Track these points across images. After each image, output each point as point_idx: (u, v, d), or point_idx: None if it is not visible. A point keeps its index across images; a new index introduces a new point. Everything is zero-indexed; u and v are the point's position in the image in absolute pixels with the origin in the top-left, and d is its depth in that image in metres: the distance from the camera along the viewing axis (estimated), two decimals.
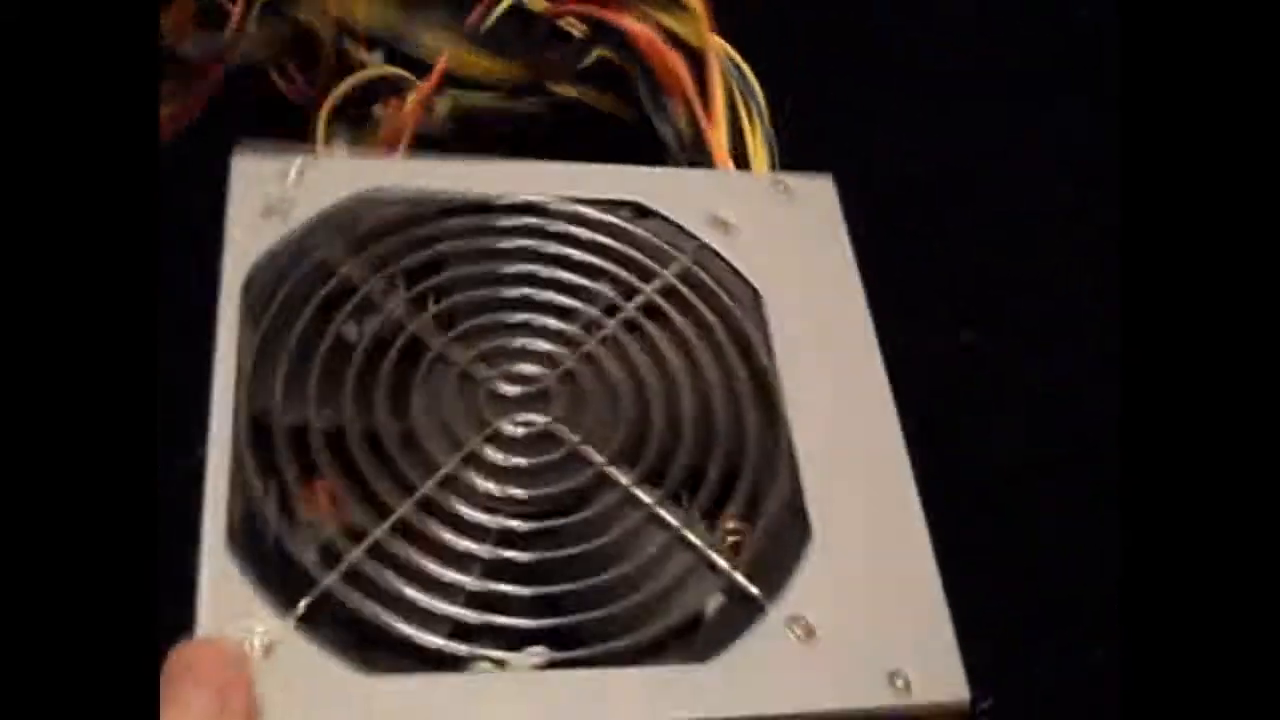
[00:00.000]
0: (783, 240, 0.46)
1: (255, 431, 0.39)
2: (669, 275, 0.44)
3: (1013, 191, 0.61)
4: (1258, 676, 0.33)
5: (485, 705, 0.36)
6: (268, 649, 0.35)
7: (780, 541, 0.40)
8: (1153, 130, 0.37)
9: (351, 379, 0.40)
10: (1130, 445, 0.35)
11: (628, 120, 0.53)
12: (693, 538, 0.39)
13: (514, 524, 0.39)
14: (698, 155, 0.49)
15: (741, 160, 0.50)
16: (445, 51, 0.50)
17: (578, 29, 0.54)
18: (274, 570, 0.37)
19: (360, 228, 0.43)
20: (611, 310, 0.44)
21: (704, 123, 0.49)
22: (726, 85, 0.50)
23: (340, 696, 0.35)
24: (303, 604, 0.36)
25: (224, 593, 0.36)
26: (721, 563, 0.39)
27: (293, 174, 0.44)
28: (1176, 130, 0.37)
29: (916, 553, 0.40)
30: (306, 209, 0.43)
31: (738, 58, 0.51)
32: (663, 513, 0.40)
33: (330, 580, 0.37)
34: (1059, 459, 0.47)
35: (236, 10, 0.52)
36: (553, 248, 0.44)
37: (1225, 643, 0.34)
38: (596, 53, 0.52)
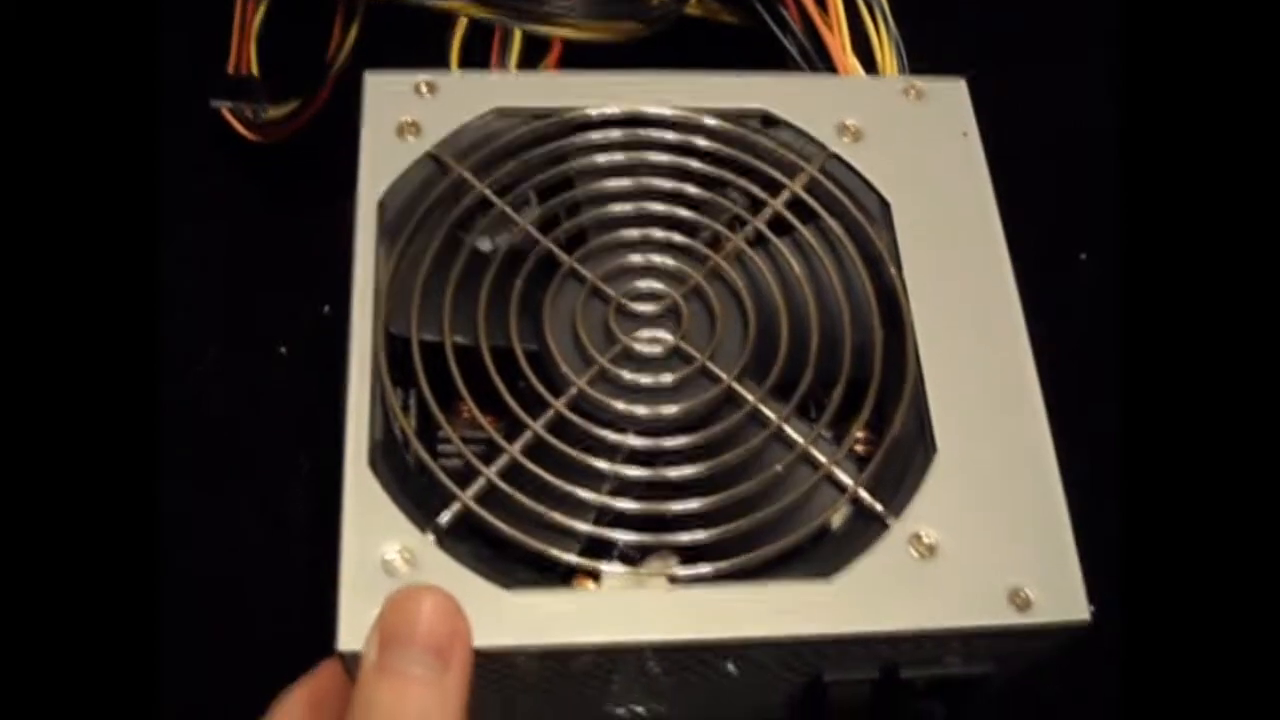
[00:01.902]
0: (913, 147, 0.44)
1: (393, 349, 0.39)
2: (796, 187, 0.42)
3: None
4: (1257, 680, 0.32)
5: (615, 620, 0.36)
6: (410, 563, 0.36)
7: (905, 457, 0.39)
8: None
9: (485, 296, 0.40)
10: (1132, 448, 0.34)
11: (753, 28, 0.51)
12: (818, 454, 0.38)
13: (642, 442, 0.38)
14: (822, 63, 0.47)
15: (870, 65, 0.47)
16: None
17: None
18: (413, 487, 0.37)
19: (491, 145, 0.43)
20: (739, 224, 0.43)
21: (822, 28, 0.47)
22: None
23: (477, 610, 0.35)
24: (441, 522, 0.36)
25: (366, 510, 0.36)
26: (845, 479, 0.38)
27: (424, 92, 0.44)
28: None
29: (1041, 470, 0.39)
30: (439, 127, 0.43)
31: None
32: (788, 429, 0.39)
33: (466, 499, 0.37)
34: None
35: None
36: (680, 161, 0.43)
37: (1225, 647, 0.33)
38: None
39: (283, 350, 0.55)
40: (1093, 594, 0.37)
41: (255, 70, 0.54)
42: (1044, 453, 0.39)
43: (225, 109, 0.54)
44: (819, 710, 0.40)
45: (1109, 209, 0.47)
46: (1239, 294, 0.41)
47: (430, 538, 0.36)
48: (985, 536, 0.38)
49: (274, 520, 0.52)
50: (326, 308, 0.54)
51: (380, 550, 0.36)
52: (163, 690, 0.40)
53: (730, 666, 0.38)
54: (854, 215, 0.43)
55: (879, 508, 0.38)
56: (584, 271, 0.41)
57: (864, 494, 0.38)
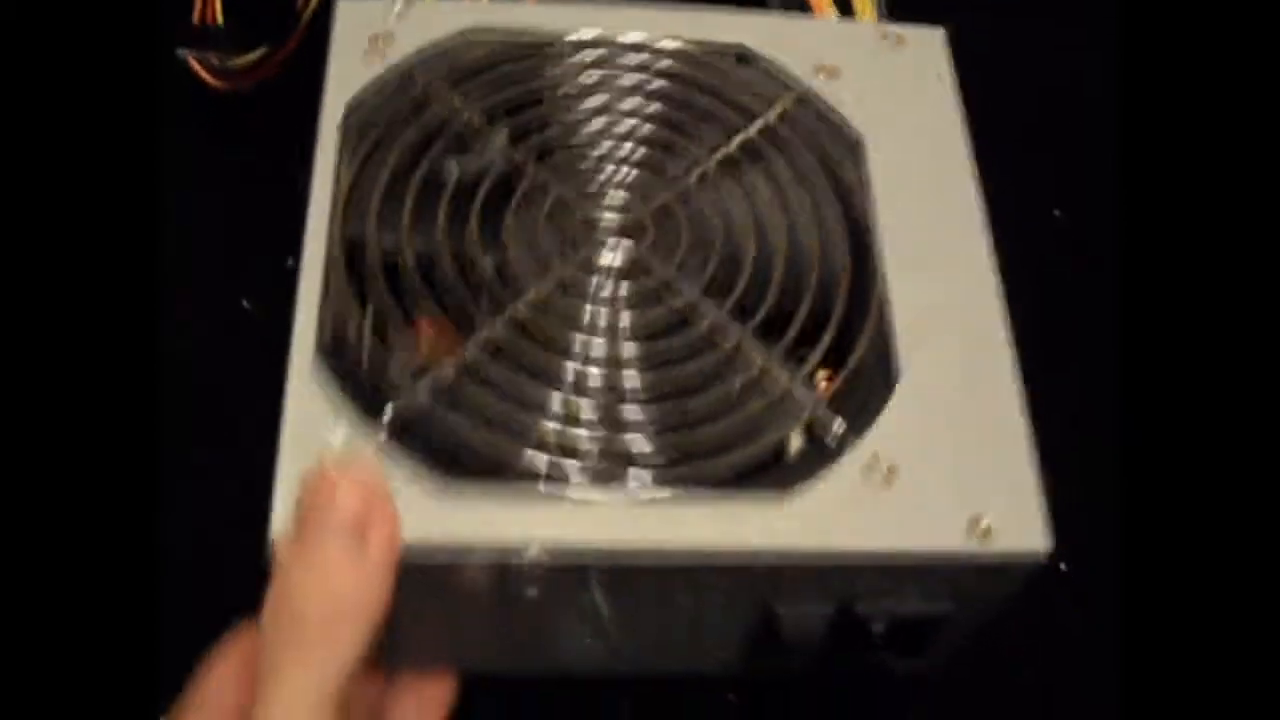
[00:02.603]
0: (888, 90, 0.43)
1: (350, 256, 0.38)
2: (770, 118, 0.42)
3: None
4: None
5: (560, 523, 0.34)
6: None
7: (866, 385, 0.38)
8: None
9: (446, 206, 0.39)
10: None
11: None
12: (777, 372, 0.37)
13: (599, 352, 0.37)
14: (798, 6, 0.46)
15: (847, 11, 0.47)
16: None
17: None
18: (362, 388, 0.36)
19: (461, 64, 0.41)
20: (710, 151, 0.41)
21: None
22: None
23: (417, 507, 0.33)
24: (387, 416, 0.35)
25: (309, 402, 0.35)
26: (804, 399, 0.37)
27: (396, 11, 0.42)
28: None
29: (1006, 403, 0.37)
30: (408, 46, 0.42)
31: None
32: (748, 348, 0.37)
33: (417, 395, 0.35)
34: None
35: None
36: (653, 86, 0.42)
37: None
38: None
39: (246, 305, 0.54)
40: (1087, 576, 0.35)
41: (221, 20, 0.52)
42: (1008, 383, 0.38)
43: (191, 58, 0.53)
44: (772, 647, 0.38)
45: (1086, 166, 0.46)
46: (1216, 255, 0.40)
47: (374, 433, 0.35)
48: (945, 465, 0.36)
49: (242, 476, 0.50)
50: (290, 260, 0.53)
51: (321, 442, 0.34)
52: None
53: (680, 597, 0.37)
54: (826, 147, 0.42)
55: (837, 430, 0.36)
56: (549, 187, 0.40)
57: (821, 415, 0.37)
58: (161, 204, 0.53)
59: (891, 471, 0.36)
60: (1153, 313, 0.35)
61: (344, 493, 0.33)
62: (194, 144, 0.56)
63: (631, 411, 0.36)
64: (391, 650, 0.35)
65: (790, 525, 0.35)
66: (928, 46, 0.44)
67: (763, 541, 0.34)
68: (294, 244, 0.52)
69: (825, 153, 0.42)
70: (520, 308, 0.37)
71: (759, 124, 0.42)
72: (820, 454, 0.36)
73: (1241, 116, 0.39)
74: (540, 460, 0.35)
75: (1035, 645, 0.49)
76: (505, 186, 0.40)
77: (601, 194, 0.40)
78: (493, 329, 0.37)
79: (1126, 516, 0.34)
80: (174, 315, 0.51)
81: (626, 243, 0.39)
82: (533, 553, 0.34)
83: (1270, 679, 0.32)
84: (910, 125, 0.42)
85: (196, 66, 0.54)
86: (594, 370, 0.37)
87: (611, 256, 0.39)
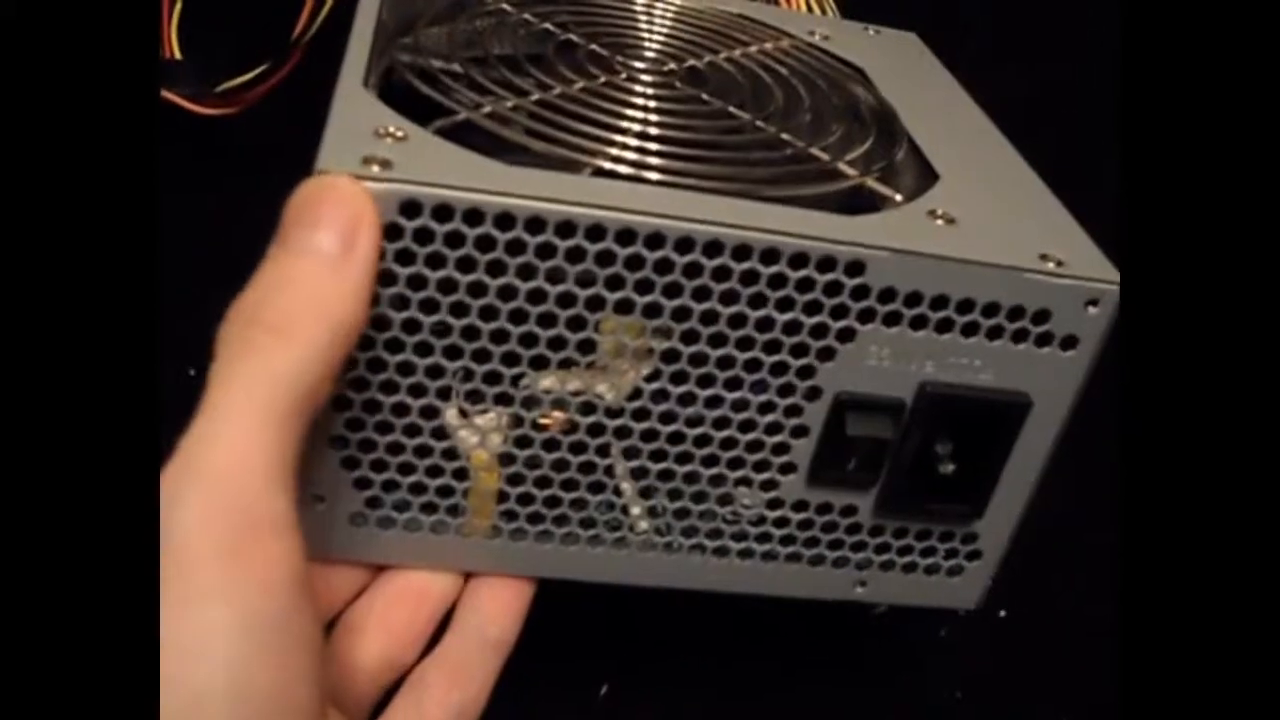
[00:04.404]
0: (877, 51, 0.46)
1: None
2: (781, 44, 0.44)
3: None
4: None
5: (621, 198, 0.31)
6: (400, 140, 0.31)
7: (909, 179, 0.37)
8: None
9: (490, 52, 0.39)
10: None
11: None
12: (817, 152, 0.36)
13: (650, 118, 0.36)
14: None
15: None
16: None
17: None
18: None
19: None
20: (729, 49, 0.43)
21: None
22: None
23: (462, 171, 0.30)
24: (439, 122, 0.33)
25: (357, 112, 0.32)
26: (849, 170, 0.36)
27: None
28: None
29: (1040, 195, 0.37)
30: None
31: None
32: (788, 137, 0.37)
33: (472, 113, 0.34)
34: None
35: None
36: (682, 21, 0.44)
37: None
38: None
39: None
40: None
41: (178, 53, 0.50)
42: (1036, 185, 0.38)
43: (164, 92, 0.49)
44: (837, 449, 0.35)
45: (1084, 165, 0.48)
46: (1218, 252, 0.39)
47: (427, 130, 0.32)
48: (1003, 220, 0.35)
49: None
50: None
51: (373, 124, 0.32)
52: None
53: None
54: (836, 65, 0.44)
55: (887, 190, 0.35)
56: (586, 43, 0.40)
57: (871, 182, 0.36)
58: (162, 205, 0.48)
59: (952, 220, 0.34)
60: (1154, 314, 0.34)
61: (335, 199, 0.30)
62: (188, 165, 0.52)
63: (683, 150, 0.35)
64: None
65: (859, 229, 0.32)
66: (907, 42, 0.48)
67: (828, 233, 0.32)
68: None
69: (833, 67, 0.44)
70: (566, 91, 0.37)
71: (769, 44, 0.44)
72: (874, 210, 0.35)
73: (1243, 106, 0.40)
74: (599, 161, 0.33)
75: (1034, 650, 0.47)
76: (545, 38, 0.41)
77: (636, 52, 0.41)
78: (542, 95, 0.36)
79: (1126, 520, 0.32)
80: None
81: (658, 77, 0.40)
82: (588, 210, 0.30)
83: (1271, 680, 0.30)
84: (905, 67, 0.45)
85: (176, 99, 0.50)
86: (650, 129, 0.35)
87: (647, 75, 0.39)
